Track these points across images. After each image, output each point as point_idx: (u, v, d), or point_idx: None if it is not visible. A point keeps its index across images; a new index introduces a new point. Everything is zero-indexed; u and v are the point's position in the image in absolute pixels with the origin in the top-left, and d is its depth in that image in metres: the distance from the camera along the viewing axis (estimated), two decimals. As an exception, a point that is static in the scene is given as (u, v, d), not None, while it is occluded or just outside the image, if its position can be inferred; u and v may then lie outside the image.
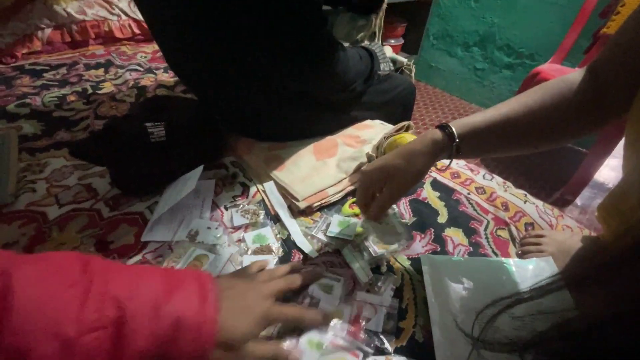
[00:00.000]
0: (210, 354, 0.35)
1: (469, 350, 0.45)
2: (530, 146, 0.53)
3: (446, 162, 0.58)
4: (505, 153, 0.54)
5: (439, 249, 0.60)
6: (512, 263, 0.55)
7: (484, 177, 0.76)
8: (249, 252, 0.58)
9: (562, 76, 0.51)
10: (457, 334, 0.47)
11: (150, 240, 0.59)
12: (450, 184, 0.74)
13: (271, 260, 0.56)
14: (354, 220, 0.64)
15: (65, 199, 0.66)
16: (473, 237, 0.63)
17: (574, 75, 0.50)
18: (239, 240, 0.61)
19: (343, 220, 0.64)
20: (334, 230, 0.63)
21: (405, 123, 0.78)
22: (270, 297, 0.43)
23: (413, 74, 1.21)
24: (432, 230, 0.64)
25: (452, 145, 0.51)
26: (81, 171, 0.73)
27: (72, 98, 0.99)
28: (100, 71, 1.16)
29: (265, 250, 0.58)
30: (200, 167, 0.66)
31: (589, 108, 0.48)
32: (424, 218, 0.66)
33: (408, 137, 0.73)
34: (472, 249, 0.61)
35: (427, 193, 0.72)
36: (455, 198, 0.71)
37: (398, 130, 0.77)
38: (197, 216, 0.64)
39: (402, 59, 1.17)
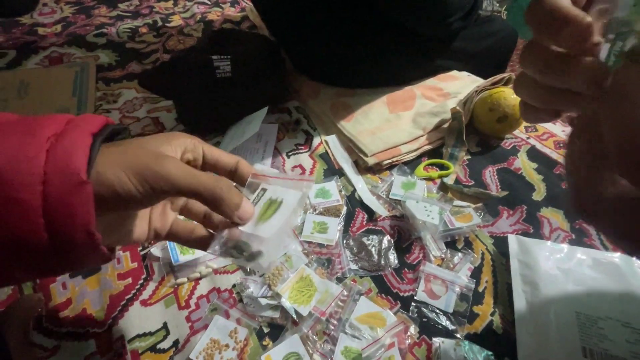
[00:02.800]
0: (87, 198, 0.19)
1: (561, 352, 0.38)
2: None
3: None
4: None
5: (531, 231, 0.51)
6: (634, 262, 0.44)
7: (599, 150, 0.61)
8: (315, 211, 0.53)
9: None
10: (548, 333, 0.39)
11: (212, 180, 0.58)
12: (553, 155, 0.61)
13: (337, 223, 0.52)
14: (420, 182, 0.56)
15: (135, 130, 0.67)
16: (578, 222, 0.52)
17: None
18: (300, 192, 0.57)
19: (407, 182, 0.57)
20: (397, 192, 0.55)
21: (505, 75, 0.64)
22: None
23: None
24: (524, 207, 0.53)
25: None
26: (150, 104, 0.73)
27: (144, 30, 0.98)
28: (170, 3, 1.13)
29: (333, 212, 0.53)
30: (265, 109, 0.61)
31: None
32: (515, 192, 0.55)
33: (508, 93, 0.59)
34: (574, 237, 0.50)
35: (522, 163, 0.60)
36: (558, 172, 0.58)
37: (495, 84, 0.64)
38: (258, 160, 0.61)
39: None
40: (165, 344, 0.40)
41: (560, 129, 0.65)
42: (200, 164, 0.28)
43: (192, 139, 0.27)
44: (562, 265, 0.44)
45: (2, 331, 0.36)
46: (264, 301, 0.42)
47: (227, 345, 0.40)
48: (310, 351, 0.39)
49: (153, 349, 0.40)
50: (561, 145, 0.62)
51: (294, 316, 0.41)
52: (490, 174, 0.59)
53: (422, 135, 0.63)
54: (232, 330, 0.41)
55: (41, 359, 0.39)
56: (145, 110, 0.72)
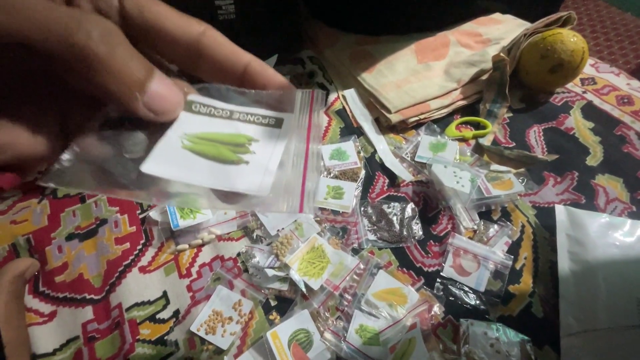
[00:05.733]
0: None
1: (616, 347, 0.32)
2: None
3: None
4: None
5: (583, 201, 0.43)
6: None
7: (672, 107, 0.51)
8: (330, 174, 0.47)
9: None
10: (600, 321, 0.33)
11: (216, 138, 0.53)
12: (615, 112, 0.51)
13: (354, 188, 0.46)
14: (452, 143, 0.49)
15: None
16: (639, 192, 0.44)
17: None
18: (313, 152, 0.51)
19: (436, 143, 0.49)
20: (424, 154, 0.48)
21: (563, 14, 0.53)
22: None
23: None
24: (576, 174, 0.45)
25: None
26: (150, 55, 0.66)
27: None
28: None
29: (349, 176, 0.47)
30: (274, 57, 0.53)
31: None
32: (565, 155, 0.47)
33: (567, 35, 0.49)
34: (635, 209, 0.42)
35: (575, 121, 0.51)
36: (619, 134, 0.49)
37: (549, 25, 0.53)
38: (267, 118, 0.55)
39: None
40: (165, 314, 0.37)
41: (624, 82, 0.55)
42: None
43: None
44: (622, 242, 0.37)
45: (-11, 296, 0.33)
46: (270, 272, 0.38)
47: (230, 318, 0.36)
48: (322, 328, 0.35)
49: (152, 318, 0.37)
50: (625, 100, 0.52)
51: (304, 290, 0.37)
52: (535, 135, 0.50)
53: (455, 89, 0.54)
54: (236, 302, 0.37)
55: (38, 324, 0.37)
56: (144, 61, 0.65)
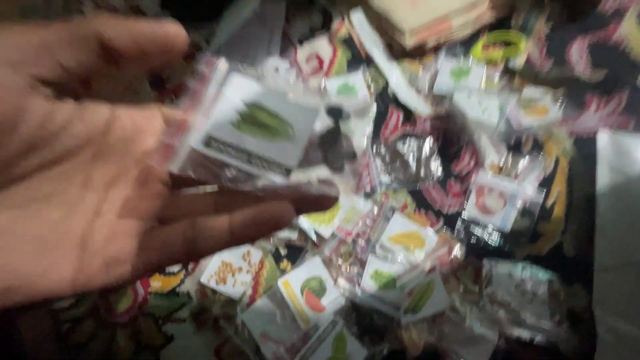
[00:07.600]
0: None
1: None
2: None
3: None
4: None
5: (630, 126, 0.37)
6: None
7: None
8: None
9: None
10: (638, 253, 0.30)
11: (209, 80, 0.48)
12: (681, 14, 0.42)
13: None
14: (477, 67, 0.42)
15: (114, 23, 0.55)
16: (702, 111, 0.37)
17: None
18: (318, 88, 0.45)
19: (459, 69, 0.43)
20: (445, 83, 0.42)
21: None
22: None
23: None
24: (625, 94, 0.39)
25: None
26: (127, -12, 0.58)
27: None
28: None
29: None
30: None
31: None
32: (614, 72, 0.40)
33: None
34: (694, 131, 0.36)
35: (628, 29, 0.42)
36: (683, 41, 0.41)
37: None
38: (264, 52, 0.48)
39: None
40: (174, 267, 0.37)
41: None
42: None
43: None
44: (676, 170, 0.32)
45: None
46: (278, 221, 0.36)
47: (240, 268, 0.35)
48: (335, 275, 0.34)
49: (162, 271, 0.36)
50: (696, -2, 0.43)
51: (314, 238, 0.35)
52: (578, 50, 0.42)
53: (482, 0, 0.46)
54: (245, 253, 0.36)
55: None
56: (121, -4, 0.57)
